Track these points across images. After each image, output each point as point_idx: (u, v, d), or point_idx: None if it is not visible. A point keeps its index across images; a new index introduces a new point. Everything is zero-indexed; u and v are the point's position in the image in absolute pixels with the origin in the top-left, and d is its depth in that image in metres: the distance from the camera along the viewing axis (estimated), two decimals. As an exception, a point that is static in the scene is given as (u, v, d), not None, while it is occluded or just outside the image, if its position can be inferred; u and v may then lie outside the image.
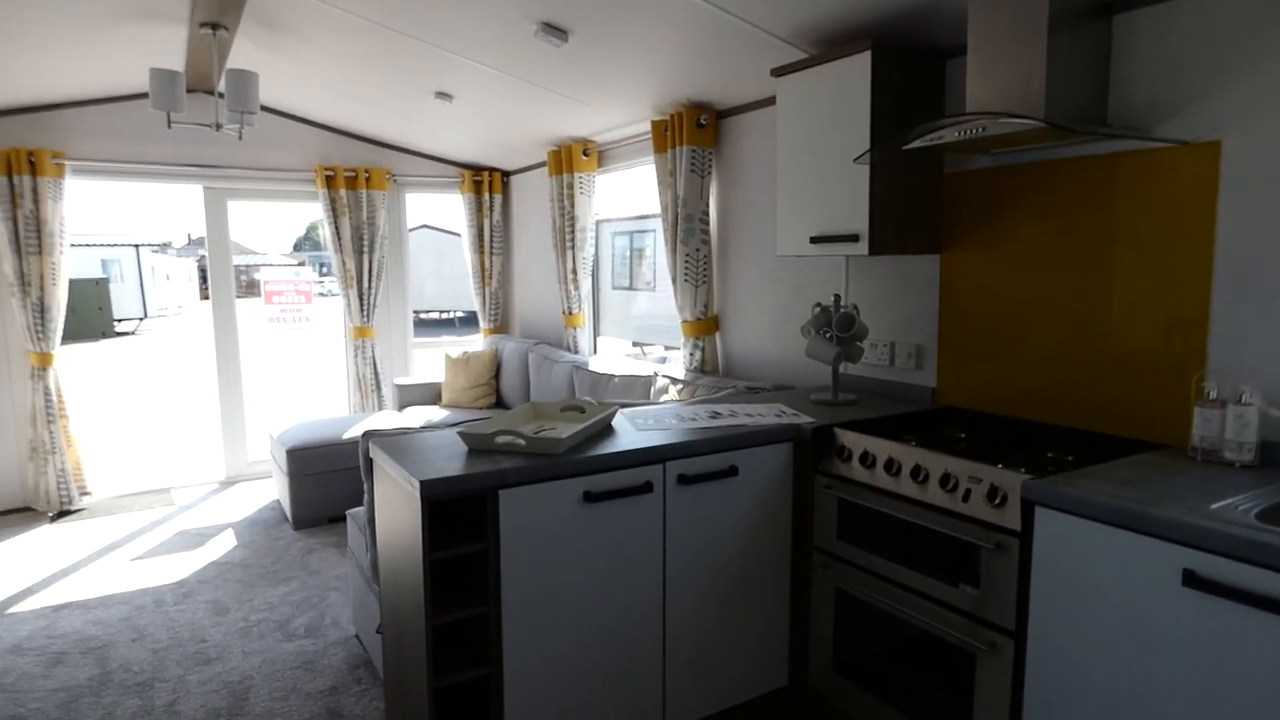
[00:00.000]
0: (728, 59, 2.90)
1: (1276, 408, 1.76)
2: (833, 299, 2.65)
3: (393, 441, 2.05)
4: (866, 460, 2.11)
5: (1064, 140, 2.11)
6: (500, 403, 5.17)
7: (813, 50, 2.64)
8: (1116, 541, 1.53)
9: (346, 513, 2.94)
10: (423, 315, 19.76)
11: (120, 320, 21.17)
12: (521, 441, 1.93)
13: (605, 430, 2.20)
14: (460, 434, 1.99)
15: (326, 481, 4.20)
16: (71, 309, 17.71)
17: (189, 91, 4.50)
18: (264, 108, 4.87)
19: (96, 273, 21.39)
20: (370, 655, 2.75)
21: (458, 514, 1.92)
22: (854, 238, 2.43)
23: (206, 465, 5.67)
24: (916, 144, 2.11)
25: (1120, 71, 2.06)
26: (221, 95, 3.56)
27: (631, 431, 2.20)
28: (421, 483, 1.69)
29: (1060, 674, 1.65)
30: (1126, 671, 1.53)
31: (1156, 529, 1.47)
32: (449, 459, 1.87)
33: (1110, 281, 2.11)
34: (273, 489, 4.91)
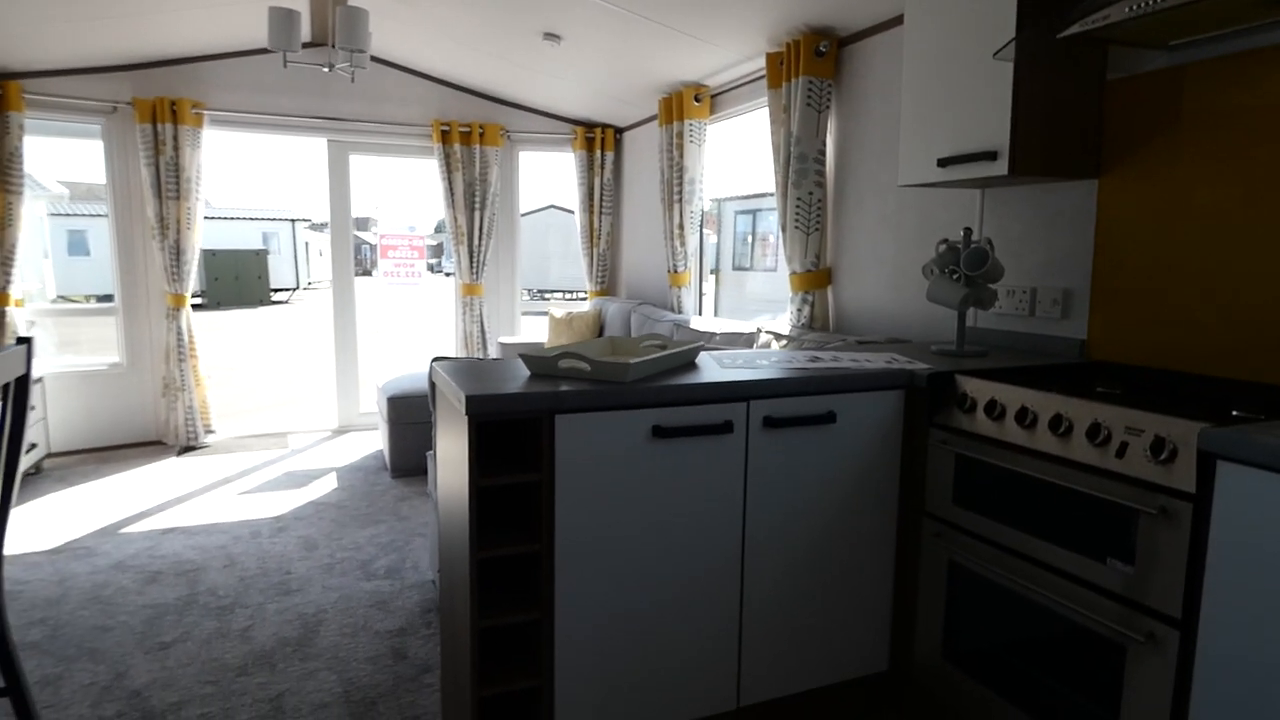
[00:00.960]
0: (849, -33, 2.57)
1: None
2: (963, 233, 2.28)
3: (455, 364, 1.91)
4: (994, 410, 1.76)
5: (1271, 16, 1.66)
6: (602, 364, 5.03)
7: (949, -59, 2.26)
8: (1339, 508, 1.15)
9: (426, 454, 2.87)
10: (547, 295, 20.15)
11: (276, 290, 22.95)
12: (586, 366, 1.73)
13: (686, 367, 1.97)
14: (522, 356, 1.82)
15: (425, 430, 4.21)
16: (235, 277, 19.25)
17: (313, 44, 4.61)
18: (383, 61, 4.94)
19: (258, 244, 23.30)
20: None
21: (518, 447, 1.75)
22: (991, 155, 2.06)
23: (322, 414, 5.89)
24: (1075, 30, 1.74)
25: (1362, -78, 1.59)
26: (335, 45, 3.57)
27: (715, 368, 1.95)
28: (468, 398, 1.53)
29: (1243, 676, 1.28)
30: (1345, 682, 1.15)
31: (1404, 491, 1.07)
32: (506, 381, 1.70)
33: (1333, 197, 1.65)
34: (378, 439, 5.01)
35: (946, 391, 1.91)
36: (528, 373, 1.81)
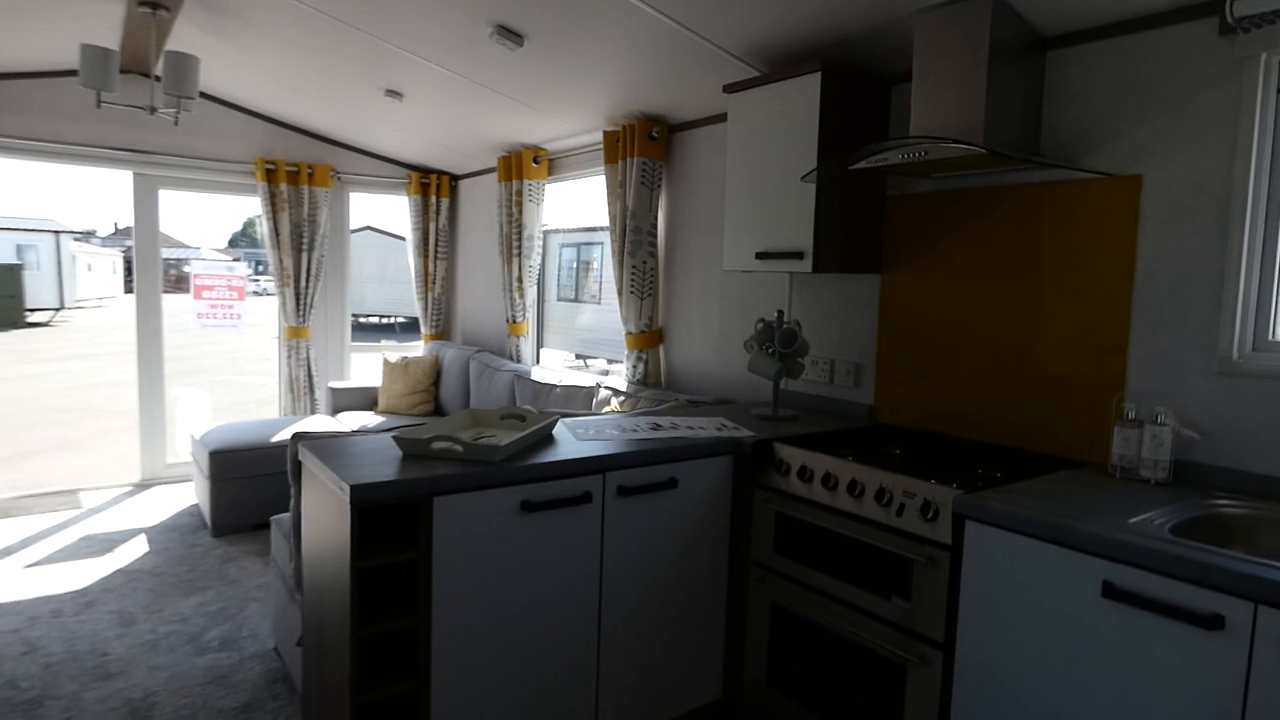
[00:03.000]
0: (682, 73, 2.92)
1: (1188, 428, 1.85)
2: (776, 315, 2.68)
3: (324, 444, 1.98)
4: (805, 474, 2.13)
5: (999, 167, 2.19)
6: (439, 410, 5.06)
7: (765, 69, 2.68)
8: (1040, 554, 1.58)
9: (271, 519, 2.81)
10: (362, 319, 19.27)
11: (33, 310, 20.06)
12: (459, 448, 1.88)
13: (546, 439, 2.17)
14: (395, 439, 1.93)
15: (251, 486, 4.03)
16: (-21, 295, 16.47)
17: (123, 73, 4.30)
18: (204, 94, 4.70)
19: (10, 258, 20.26)
20: (290, 670, 2.63)
21: (388, 522, 1.86)
22: (799, 255, 2.46)
23: (120, 466, 5.38)
24: (862, 165, 2.16)
25: (1052, 105, 2.15)
26: (158, 78, 3.41)
27: (572, 441, 2.17)
28: (352, 487, 1.63)
29: (986, 685, 1.69)
30: (1049, 682, 1.57)
31: (1078, 542, 1.51)
32: (382, 464, 1.81)
33: (1038, 306, 2.19)
34: (192, 493, 4.68)
35: (767, 457, 2.26)
36: (398, 451, 1.92)
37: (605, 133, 3.65)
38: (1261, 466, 1.79)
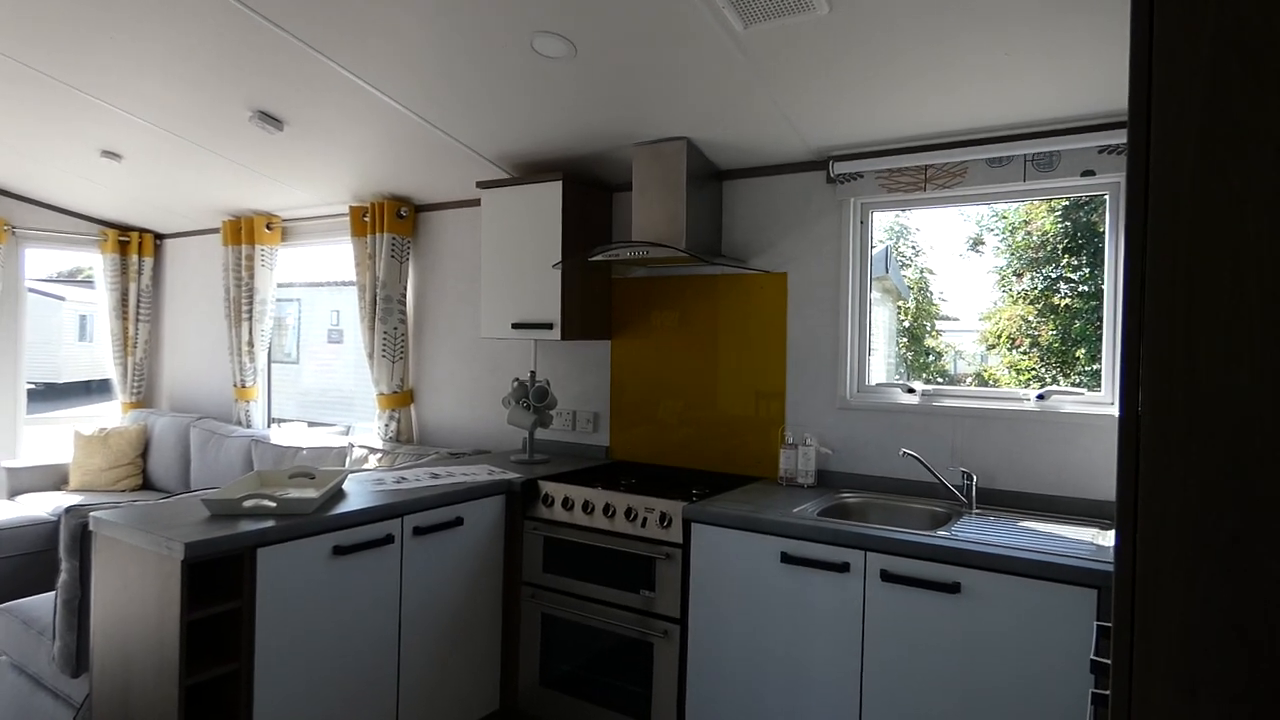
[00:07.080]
0: (433, 164, 3.33)
1: (825, 447, 2.72)
2: (529, 375, 3.18)
3: (126, 512, 2.02)
4: (567, 504, 2.63)
5: (695, 263, 2.95)
6: (149, 484, 4.67)
7: (513, 172, 3.22)
8: (741, 539, 2.26)
9: (0, 606, 2.57)
10: None
11: None
12: (271, 504, 2.07)
13: (339, 493, 2.40)
14: (204, 501, 2.05)
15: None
16: None
17: None
18: None
19: None
20: (23, 772, 2.43)
21: (196, 580, 1.97)
22: (549, 325, 3.00)
23: None
24: (597, 258, 2.78)
25: (729, 219, 2.99)
26: None
27: (364, 492, 2.43)
28: (186, 545, 1.77)
29: (709, 641, 2.32)
30: (750, 629, 2.24)
31: (764, 528, 2.22)
32: (195, 525, 1.94)
33: (722, 366, 2.98)
34: None
35: (533, 493, 2.72)
36: (202, 513, 2.05)
37: (352, 208, 3.89)
38: (866, 469, 2.70)
